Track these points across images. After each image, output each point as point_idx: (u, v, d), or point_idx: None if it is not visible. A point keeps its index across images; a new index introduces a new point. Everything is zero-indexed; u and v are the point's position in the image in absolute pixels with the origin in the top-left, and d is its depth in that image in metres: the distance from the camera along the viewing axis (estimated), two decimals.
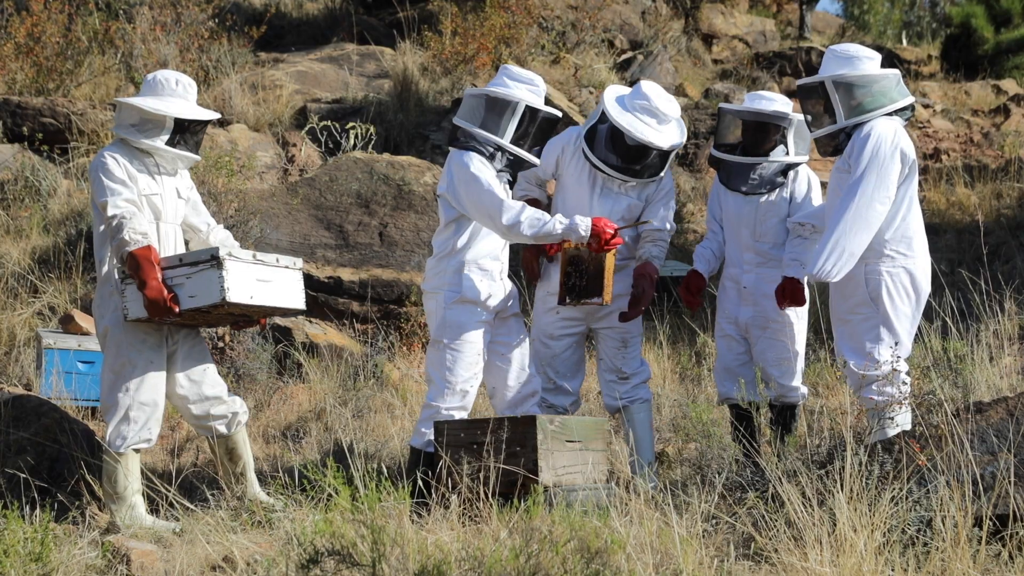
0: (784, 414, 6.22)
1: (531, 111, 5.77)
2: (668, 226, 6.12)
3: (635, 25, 15.57)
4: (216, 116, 6.00)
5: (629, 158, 5.98)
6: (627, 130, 5.91)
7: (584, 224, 5.64)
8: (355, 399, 7.61)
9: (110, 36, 12.06)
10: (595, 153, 6.02)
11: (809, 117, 5.82)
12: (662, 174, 6.08)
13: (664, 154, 6.02)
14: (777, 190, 6.18)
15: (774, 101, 6.22)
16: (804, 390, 6.26)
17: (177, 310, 5.53)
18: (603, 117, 6.03)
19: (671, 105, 6.02)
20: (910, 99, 5.72)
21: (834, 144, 5.73)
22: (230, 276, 5.53)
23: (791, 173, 6.21)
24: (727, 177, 6.29)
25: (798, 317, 6.19)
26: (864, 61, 5.68)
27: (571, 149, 6.12)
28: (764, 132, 6.18)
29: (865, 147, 5.53)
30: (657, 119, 5.96)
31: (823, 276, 5.46)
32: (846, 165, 5.62)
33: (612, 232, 5.65)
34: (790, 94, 15.13)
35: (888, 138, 5.54)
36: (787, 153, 6.19)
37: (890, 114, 5.63)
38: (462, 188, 5.70)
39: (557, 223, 5.62)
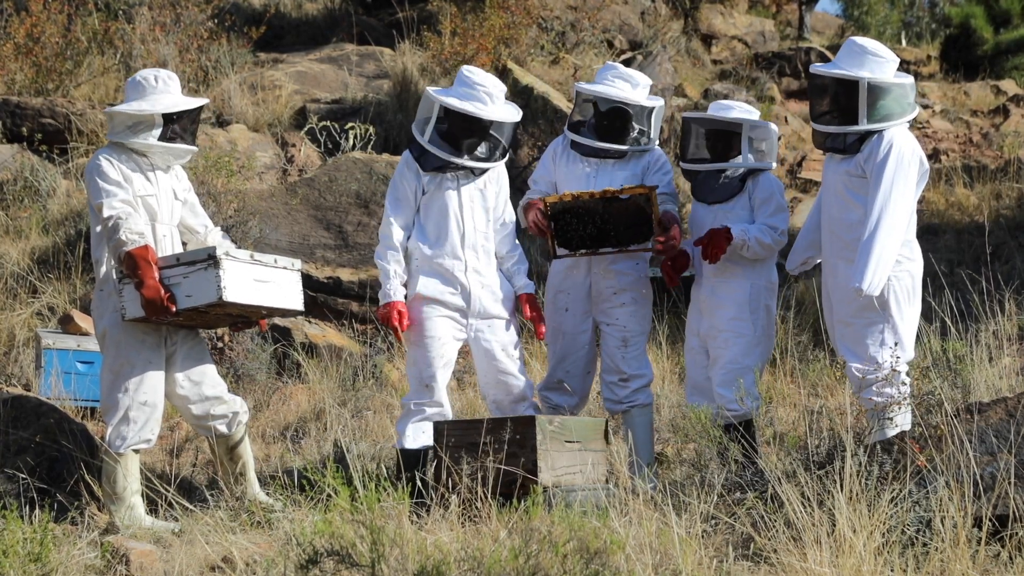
0: (729, 432, 5.64)
1: (446, 112, 5.80)
2: (673, 190, 6.15)
3: (634, 25, 15.55)
4: (204, 101, 6.05)
5: (615, 127, 6.05)
6: (601, 94, 6.05)
7: (384, 297, 5.80)
8: (354, 399, 7.61)
9: (110, 36, 12.04)
10: (584, 136, 6.09)
11: (821, 109, 5.74)
12: (652, 144, 6.13)
13: (647, 117, 6.09)
14: (735, 198, 6.04)
15: (732, 108, 6.13)
16: (747, 409, 5.75)
17: (174, 309, 5.54)
18: (580, 102, 6.13)
19: (639, 74, 6.13)
20: (918, 108, 5.76)
21: (837, 142, 5.69)
22: (227, 275, 5.53)
23: (749, 181, 6.04)
24: (693, 188, 6.23)
25: (753, 330, 5.95)
26: (891, 63, 5.66)
27: (559, 149, 6.22)
28: (724, 140, 6.06)
29: (889, 157, 5.54)
30: (629, 83, 6.07)
31: (871, 291, 5.45)
32: (859, 170, 5.61)
33: (396, 323, 5.76)
34: (789, 94, 15.20)
35: (909, 148, 5.60)
36: (749, 159, 6.02)
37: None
38: None
39: (387, 275, 5.81)
